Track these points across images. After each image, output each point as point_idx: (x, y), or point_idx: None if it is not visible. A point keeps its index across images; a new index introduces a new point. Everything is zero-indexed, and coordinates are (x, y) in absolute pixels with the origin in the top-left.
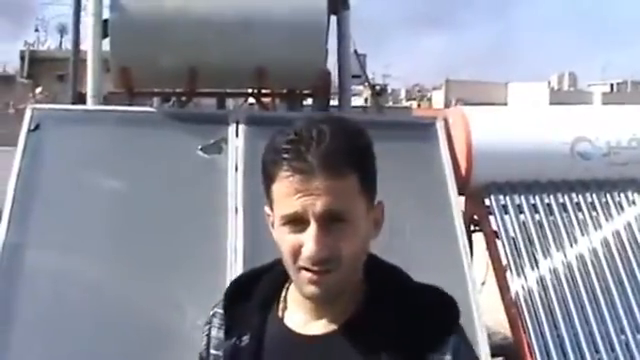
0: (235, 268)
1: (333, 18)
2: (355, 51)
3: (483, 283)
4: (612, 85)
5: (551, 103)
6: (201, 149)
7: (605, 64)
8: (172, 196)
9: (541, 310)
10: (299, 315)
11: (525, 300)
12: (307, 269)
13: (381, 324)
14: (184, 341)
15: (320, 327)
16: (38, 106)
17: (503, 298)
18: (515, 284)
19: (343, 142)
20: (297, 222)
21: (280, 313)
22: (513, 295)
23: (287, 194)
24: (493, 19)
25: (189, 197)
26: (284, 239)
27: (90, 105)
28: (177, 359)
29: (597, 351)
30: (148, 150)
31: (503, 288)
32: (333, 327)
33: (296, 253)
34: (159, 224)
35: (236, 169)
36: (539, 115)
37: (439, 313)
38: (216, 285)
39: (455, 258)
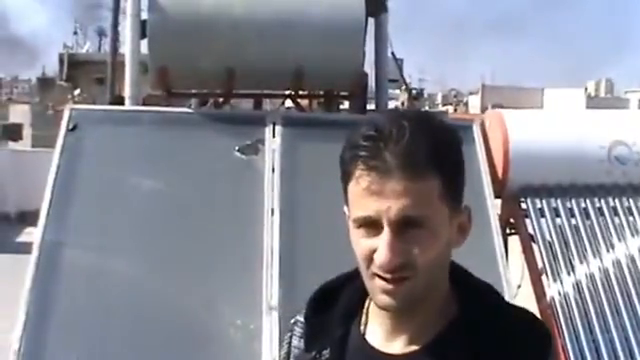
0: (271, 270)
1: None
2: (392, 54)
3: (519, 287)
4: None
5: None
6: (238, 150)
7: None
8: (209, 196)
9: (577, 315)
10: (380, 329)
11: (561, 304)
12: (380, 277)
13: (467, 349)
14: (220, 341)
15: (402, 345)
16: (76, 106)
17: (538, 302)
18: (551, 288)
19: (425, 141)
20: (371, 226)
21: (362, 327)
22: (549, 299)
23: (362, 195)
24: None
25: (226, 198)
26: (358, 243)
27: (128, 106)
28: (213, 358)
29: (632, 357)
30: (185, 151)
31: (539, 292)
32: (415, 347)
33: (369, 259)
34: (196, 224)
35: (272, 170)
36: (576, 118)
37: (530, 343)
38: (252, 286)
39: (491, 261)
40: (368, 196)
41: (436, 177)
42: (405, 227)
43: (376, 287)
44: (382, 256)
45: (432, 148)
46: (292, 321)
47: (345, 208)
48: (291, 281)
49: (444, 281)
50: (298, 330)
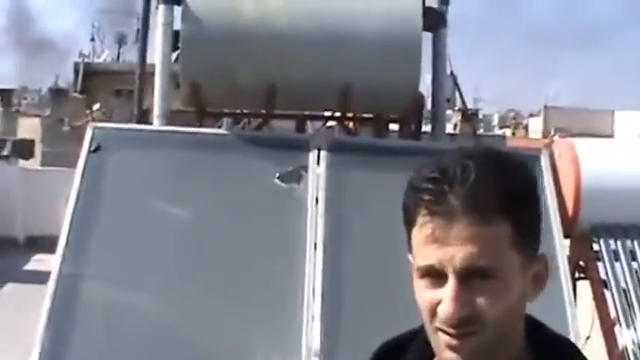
0: (312, 310)
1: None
2: (452, 73)
3: (588, 338)
4: None
5: None
6: (278, 177)
7: None
8: (244, 228)
9: None
10: None
11: (635, 358)
12: (445, 331)
13: None
14: None
15: None
16: (99, 125)
17: (610, 355)
18: (624, 339)
19: (494, 181)
20: (435, 276)
21: None
22: (621, 349)
23: (425, 242)
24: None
25: (263, 230)
26: (421, 294)
27: (156, 125)
28: None
29: None
30: (219, 177)
31: (611, 344)
32: None
33: (433, 312)
34: (229, 258)
35: (316, 201)
36: None
37: None
38: (291, 328)
39: (558, 308)
40: (431, 243)
41: (506, 222)
42: (471, 277)
43: (440, 343)
44: (446, 309)
45: (501, 189)
46: None
47: (409, 256)
48: (334, 324)
49: (519, 336)
50: None
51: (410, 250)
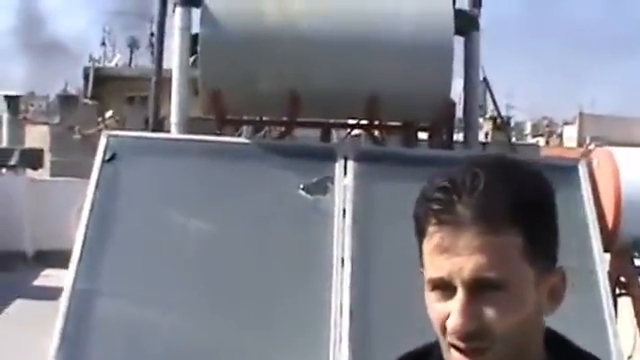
0: (340, 329)
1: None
2: (484, 79)
3: (630, 357)
4: None
5: None
6: (303, 188)
7: None
8: (267, 242)
9: None
10: None
11: None
12: (456, 347)
13: None
14: None
15: None
16: (114, 133)
17: None
18: None
19: (504, 190)
20: (445, 288)
21: None
22: None
23: (434, 253)
24: None
25: (287, 243)
26: (432, 308)
27: (174, 133)
28: None
29: None
30: (241, 188)
31: None
32: None
33: (444, 327)
34: (251, 273)
35: (343, 213)
36: None
37: None
38: (317, 347)
39: (598, 326)
40: (440, 254)
41: (517, 232)
42: (481, 289)
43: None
44: (453, 321)
45: (512, 199)
46: None
47: (421, 270)
48: (363, 343)
49: (536, 352)
50: None
51: (422, 264)
